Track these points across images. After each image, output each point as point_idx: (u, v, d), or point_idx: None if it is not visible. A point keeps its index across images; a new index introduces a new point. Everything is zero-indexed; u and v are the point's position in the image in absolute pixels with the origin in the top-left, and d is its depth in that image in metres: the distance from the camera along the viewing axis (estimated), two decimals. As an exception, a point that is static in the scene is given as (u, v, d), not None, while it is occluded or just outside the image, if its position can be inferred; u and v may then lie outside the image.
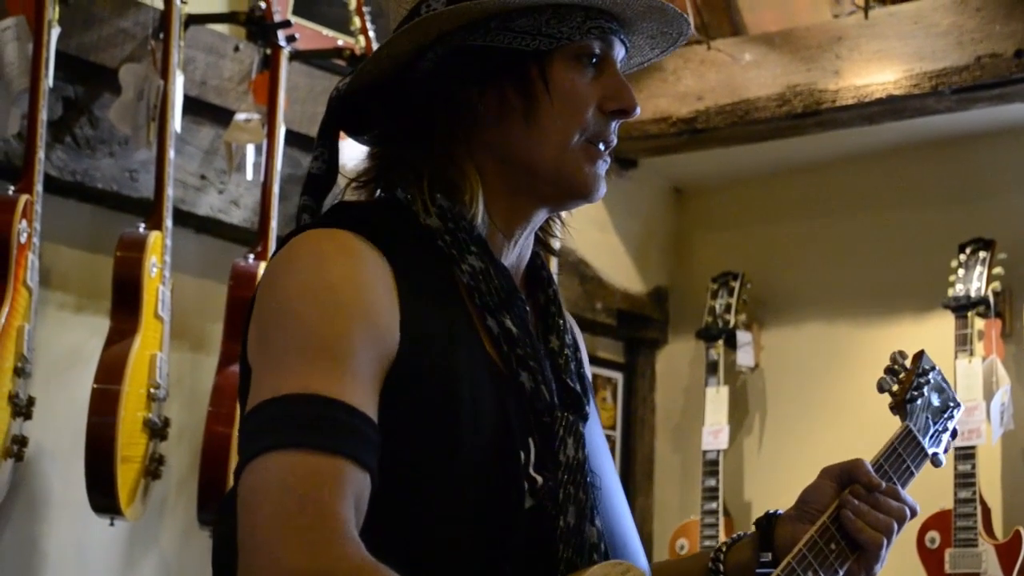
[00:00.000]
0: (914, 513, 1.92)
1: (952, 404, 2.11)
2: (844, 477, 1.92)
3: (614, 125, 1.81)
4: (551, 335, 1.83)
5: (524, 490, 1.66)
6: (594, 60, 1.78)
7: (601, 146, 1.80)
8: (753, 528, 1.95)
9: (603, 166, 1.81)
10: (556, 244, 1.93)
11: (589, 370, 1.95)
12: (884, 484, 1.91)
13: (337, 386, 1.56)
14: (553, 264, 4.70)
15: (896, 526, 1.89)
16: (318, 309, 1.61)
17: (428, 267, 1.72)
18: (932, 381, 2.10)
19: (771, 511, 1.94)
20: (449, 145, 1.77)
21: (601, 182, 1.80)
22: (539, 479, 1.67)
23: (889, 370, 2.10)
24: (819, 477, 1.93)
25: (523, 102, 1.76)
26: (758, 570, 1.90)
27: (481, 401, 1.67)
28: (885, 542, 1.88)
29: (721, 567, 1.93)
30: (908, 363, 2.11)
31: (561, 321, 1.85)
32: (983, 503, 4.73)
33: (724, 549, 1.94)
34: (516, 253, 1.81)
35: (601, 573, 1.66)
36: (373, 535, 1.57)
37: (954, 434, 2.11)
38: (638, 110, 1.81)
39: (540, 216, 1.84)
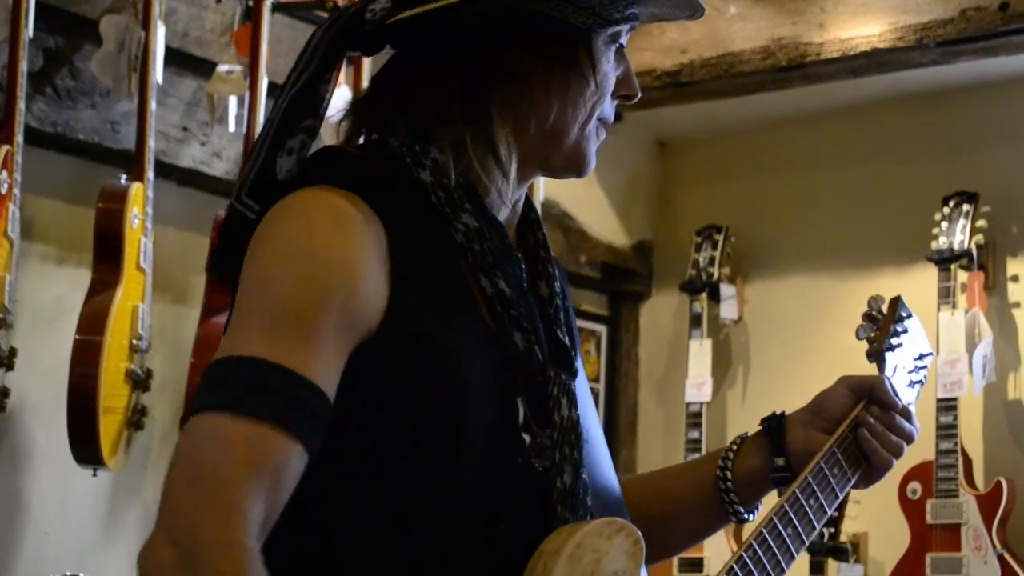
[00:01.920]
0: (911, 440, 1.97)
1: (926, 353, 2.11)
2: (862, 392, 1.97)
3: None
4: (541, 282, 1.81)
5: (519, 450, 1.66)
6: (620, 45, 1.79)
7: (607, 125, 1.82)
8: (759, 428, 1.96)
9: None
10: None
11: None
12: (901, 405, 1.95)
13: (291, 355, 1.55)
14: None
15: (905, 448, 1.95)
16: (292, 277, 1.59)
17: (422, 225, 1.70)
18: (908, 329, 2.10)
19: (777, 412, 1.96)
20: (485, 102, 1.73)
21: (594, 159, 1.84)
22: (527, 439, 1.67)
23: (867, 316, 2.10)
24: (837, 385, 1.98)
25: (567, 77, 1.75)
26: (772, 474, 1.92)
27: (474, 363, 1.66)
28: (894, 462, 1.93)
29: (729, 475, 1.92)
30: (885, 309, 2.10)
31: (551, 267, 1.83)
32: (965, 454, 4.75)
33: (730, 456, 1.94)
34: (511, 208, 1.79)
35: (595, 530, 1.66)
36: (366, 501, 1.59)
37: (921, 382, 2.11)
38: (639, 95, 1.85)
39: (536, 177, 1.85)
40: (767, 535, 1.82)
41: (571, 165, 1.81)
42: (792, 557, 1.84)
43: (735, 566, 1.77)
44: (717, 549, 4.88)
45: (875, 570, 4.96)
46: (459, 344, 1.66)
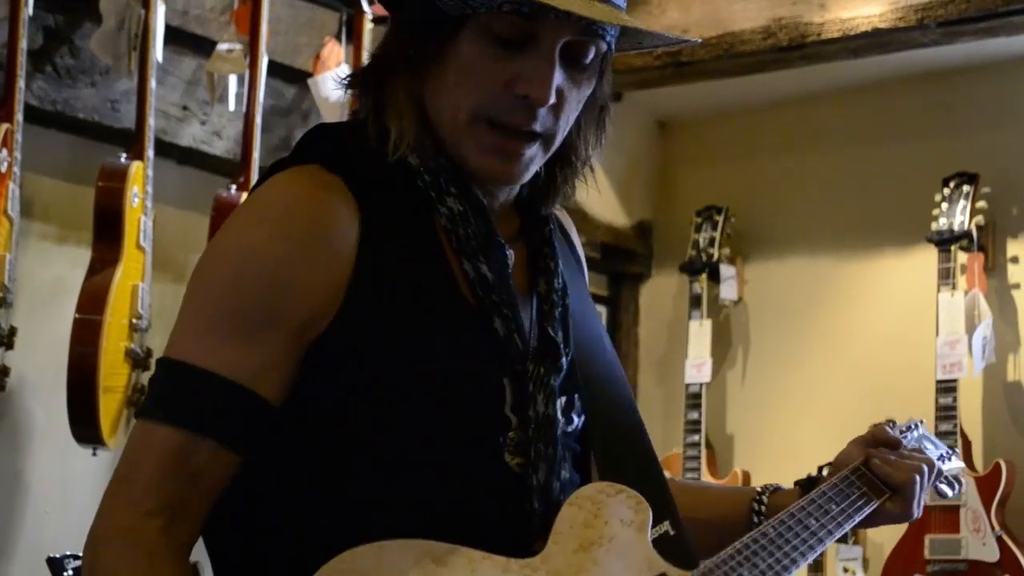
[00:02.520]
0: (932, 466, 2.02)
1: (946, 454, 2.19)
2: (868, 441, 2.03)
3: (540, 113, 1.67)
4: (540, 278, 1.78)
5: (502, 433, 1.67)
6: (514, 38, 1.64)
7: (508, 131, 1.67)
8: (793, 485, 2.02)
9: (513, 155, 1.68)
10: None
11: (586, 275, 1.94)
12: (905, 444, 2.04)
13: (218, 356, 1.60)
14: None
15: (925, 469, 1.99)
16: (228, 277, 1.63)
17: (404, 208, 1.70)
18: (919, 434, 2.19)
19: (811, 474, 2.02)
20: (408, 81, 1.71)
21: (508, 169, 1.69)
22: (514, 419, 1.68)
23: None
24: (848, 445, 2.04)
25: (432, 64, 1.68)
26: None
27: (452, 342, 1.66)
28: (917, 479, 1.97)
29: (763, 508, 1.96)
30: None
31: (553, 264, 1.79)
32: (964, 436, 4.75)
33: (765, 493, 1.98)
34: (502, 192, 1.77)
35: (594, 493, 1.67)
36: (341, 486, 1.60)
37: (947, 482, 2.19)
38: (548, 100, 1.65)
39: None
40: (779, 527, 1.84)
41: (468, 170, 1.71)
42: (798, 553, 1.84)
43: (747, 542, 1.77)
44: None
45: (874, 551, 4.97)
46: (434, 322, 1.66)
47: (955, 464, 2.20)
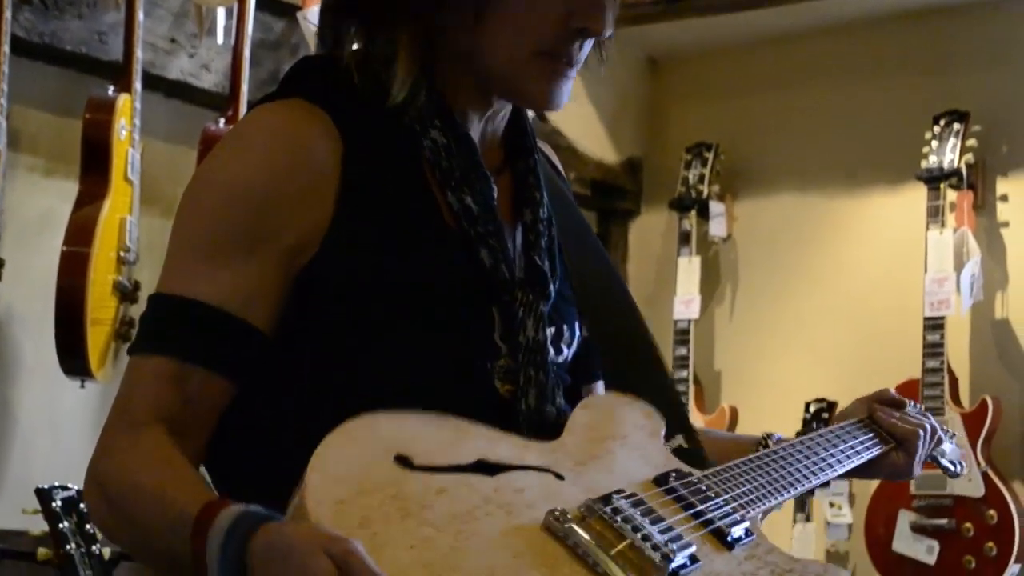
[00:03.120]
0: (934, 429, 2.10)
1: (945, 432, 2.23)
2: (873, 400, 2.09)
3: (582, 44, 1.71)
4: (526, 208, 1.79)
5: (491, 362, 1.68)
6: None
7: (563, 60, 1.70)
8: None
9: (564, 81, 1.72)
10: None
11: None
12: (905, 402, 2.11)
13: (200, 284, 1.61)
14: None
15: (928, 427, 2.06)
16: (208, 206, 1.65)
17: (388, 140, 1.71)
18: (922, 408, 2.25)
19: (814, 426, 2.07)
20: (430, 17, 1.70)
21: (558, 95, 1.72)
22: (503, 347, 1.68)
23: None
24: (853, 402, 2.10)
25: (470, 7, 1.68)
26: None
27: (437, 273, 1.67)
28: (921, 434, 2.04)
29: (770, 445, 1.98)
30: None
31: (538, 194, 1.80)
32: (951, 373, 4.77)
33: (769, 440, 1.99)
34: (487, 124, 1.78)
35: (607, 399, 1.73)
36: (329, 410, 1.59)
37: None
38: (607, 32, 1.71)
39: (500, 103, 1.78)
40: (790, 449, 1.88)
41: (516, 99, 1.75)
42: (796, 482, 1.86)
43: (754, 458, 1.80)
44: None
45: (860, 486, 4.99)
46: (421, 252, 1.67)
47: (955, 447, 2.24)
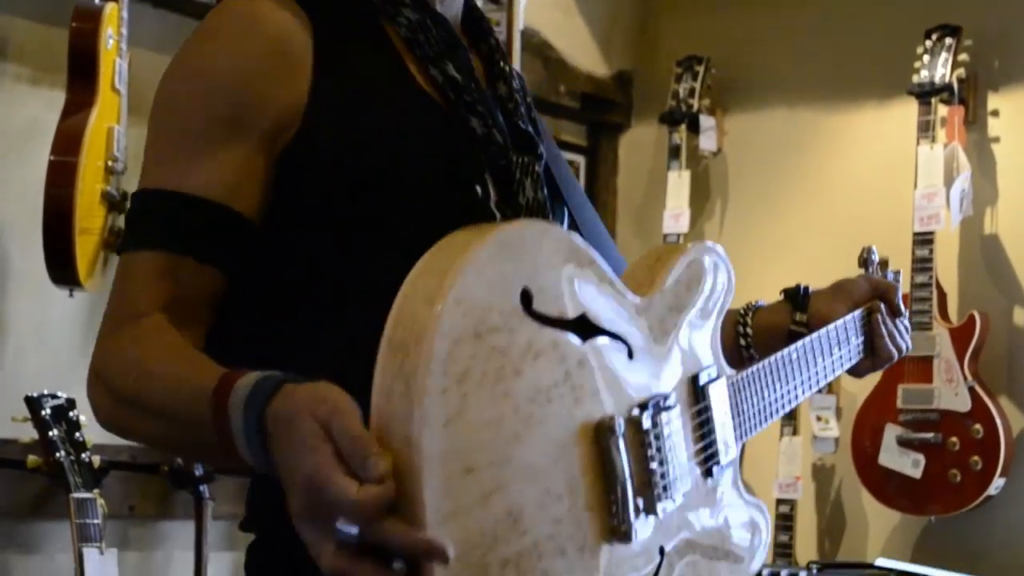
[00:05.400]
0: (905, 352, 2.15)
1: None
2: (878, 290, 2.11)
3: None
4: (498, 82, 1.82)
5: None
6: None
7: None
8: (781, 297, 2.07)
9: None
10: None
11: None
12: (906, 314, 2.13)
13: (184, 176, 1.60)
14: (516, 46, 4.68)
15: (904, 352, 2.12)
16: (181, 97, 1.64)
17: (358, 21, 1.71)
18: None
19: (800, 285, 2.06)
20: None
21: None
22: (498, 215, 1.69)
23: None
24: (858, 277, 2.13)
25: None
26: (792, 326, 2.02)
27: (428, 148, 1.67)
28: (895, 358, 2.10)
29: (749, 331, 2.01)
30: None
31: (507, 67, 1.84)
32: (939, 288, 4.78)
33: (747, 314, 2.03)
34: (442, 5, 1.78)
35: (702, 254, 1.78)
36: (326, 294, 1.61)
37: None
38: None
39: None
40: (780, 358, 1.90)
41: None
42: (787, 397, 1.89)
43: (744, 373, 1.82)
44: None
45: (847, 400, 5.02)
46: (407, 127, 1.67)
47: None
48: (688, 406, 1.67)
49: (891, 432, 4.79)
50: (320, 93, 1.62)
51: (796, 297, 2.05)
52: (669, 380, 1.64)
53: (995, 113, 5.02)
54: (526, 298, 1.40)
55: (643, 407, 1.55)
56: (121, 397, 1.56)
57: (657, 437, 1.56)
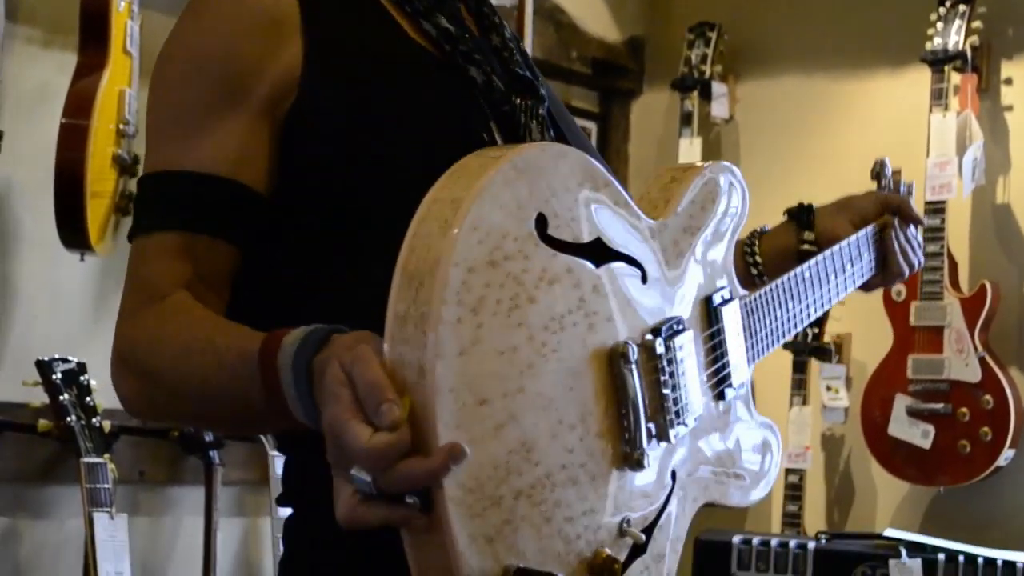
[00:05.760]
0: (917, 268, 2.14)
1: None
2: (889, 205, 2.11)
3: None
4: (491, 34, 1.82)
5: None
6: None
7: None
8: (785, 217, 2.08)
9: None
10: None
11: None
12: (925, 223, 2.07)
13: (187, 154, 1.59)
14: (528, 10, 4.65)
15: (916, 267, 2.11)
16: (175, 78, 1.63)
17: None
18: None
19: (803, 203, 2.07)
20: None
21: None
22: None
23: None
24: (866, 193, 2.12)
25: None
26: (801, 246, 2.03)
27: (429, 100, 1.66)
28: (907, 274, 2.08)
29: (758, 258, 2.02)
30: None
31: (497, 19, 1.84)
32: (951, 257, 4.76)
33: (754, 242, 2.03)
34: None
35: (717, 174, 1.79)
36: (339, 259, 1.60)
37: None
38: None
39: None
40: (795, 277, 1.91)
41: None
42: (799, 317, 1.91)
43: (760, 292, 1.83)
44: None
45: (857, 370, 5.01)
46: (407, 82, 1.66)
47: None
48: (701, 329, 1.67)
49: (901, 402, 4.79)
50: (314, 57, 1.61)
51: (801, 216, 2.05)
52: (682, 303, 1.64)
53: (1008, 81, 5.00)
54: (541, 223, 1.38)
55: (656, 332, 1.54)
56: (155, 377, 1.54)
57: (670, 362, 1.56)
